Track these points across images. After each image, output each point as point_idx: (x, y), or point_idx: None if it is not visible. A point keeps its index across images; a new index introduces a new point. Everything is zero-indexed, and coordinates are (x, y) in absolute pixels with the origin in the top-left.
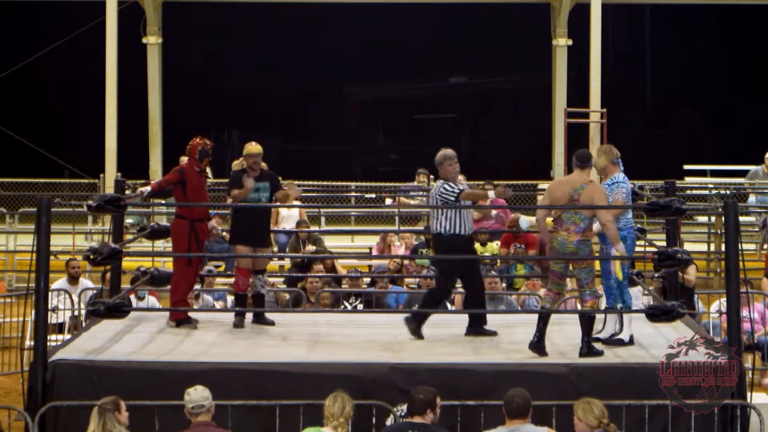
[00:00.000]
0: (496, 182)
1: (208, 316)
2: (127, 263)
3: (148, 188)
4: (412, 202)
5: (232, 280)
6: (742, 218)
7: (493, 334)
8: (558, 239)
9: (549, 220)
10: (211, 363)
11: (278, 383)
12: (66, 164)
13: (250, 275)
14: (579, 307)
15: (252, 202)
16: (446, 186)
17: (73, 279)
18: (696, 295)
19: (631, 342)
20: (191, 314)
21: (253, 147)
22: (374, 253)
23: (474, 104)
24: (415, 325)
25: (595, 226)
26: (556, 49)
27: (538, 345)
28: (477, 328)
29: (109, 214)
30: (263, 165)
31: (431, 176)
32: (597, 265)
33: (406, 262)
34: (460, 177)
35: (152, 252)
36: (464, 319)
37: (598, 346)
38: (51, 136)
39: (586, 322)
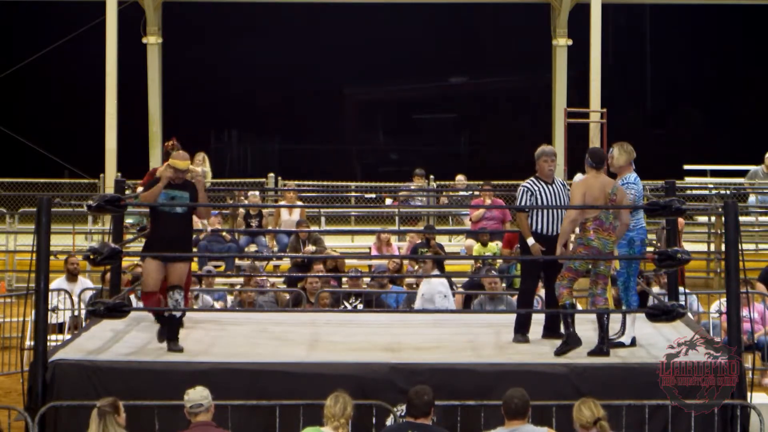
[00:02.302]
0: (535, 245)
1: (207, 316)
2: (127, 263)
3: (140, 189)
4: (412, 202)
5: (231, 280)
6: (742, 218)
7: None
8: (600, 239)
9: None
10: (211, 363)
11: (278, 383)
12: (66, 164)
13: (157, 297)
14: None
15: (166, 214)
16: (525, 187)
17: (72, 276)
18: (696, 296)
19: (632, 344)
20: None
21: (181, 162)
22: (374, 252)
23: (474, 104)
24: (520, 334)
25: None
26: (556, 49)
27: (575, 339)
28: (552, 333)
29: (109, 214)
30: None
31: (431, 176)
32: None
33: (405, 261)
34: (461, 177)
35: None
36: (466, 319)
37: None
38: (51, 136)
39: (603, 320)
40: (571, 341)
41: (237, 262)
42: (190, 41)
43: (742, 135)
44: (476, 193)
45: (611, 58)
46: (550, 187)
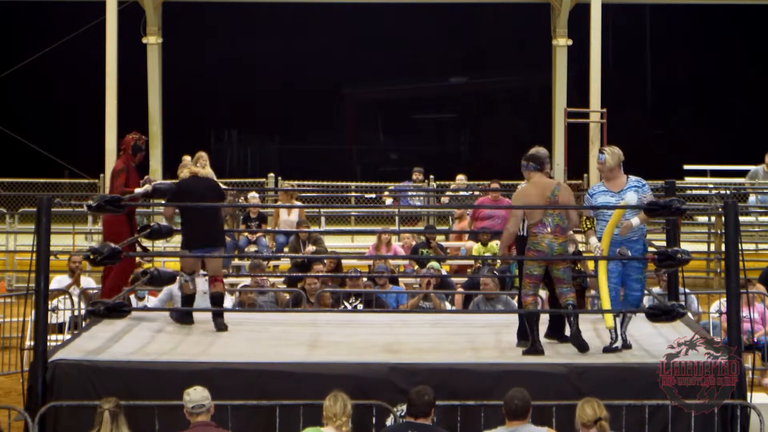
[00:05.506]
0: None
1: (208, 316)
2: None
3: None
4: (410, 200)
5: (231, 280)
6: (742, 218)
7: (568, 340)
8: (545, 242)
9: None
10: (211, 363)
11: (278, 383)
12: (66, 164)
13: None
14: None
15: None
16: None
17: (73, 273)
18: (696, 296)
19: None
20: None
21: None
22: (372, 252)
23: (474, 104)
24: (522, 340)
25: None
26: (556, 49)
27: (534, 348)
28: (557, 334)
29: (109, 214)
30: None
31: (431, 176)
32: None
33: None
34: (461, 177)
35: (152, 252)
36: (466, 319)
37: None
38: (51, 136)
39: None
40: (535, 347)
41: (237, 262)
42: (190, 41)
43: (742, 135)
44: (477, 193)
45: (611, 58)
46: None
